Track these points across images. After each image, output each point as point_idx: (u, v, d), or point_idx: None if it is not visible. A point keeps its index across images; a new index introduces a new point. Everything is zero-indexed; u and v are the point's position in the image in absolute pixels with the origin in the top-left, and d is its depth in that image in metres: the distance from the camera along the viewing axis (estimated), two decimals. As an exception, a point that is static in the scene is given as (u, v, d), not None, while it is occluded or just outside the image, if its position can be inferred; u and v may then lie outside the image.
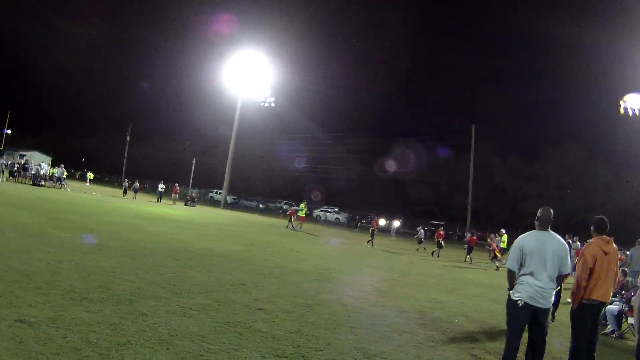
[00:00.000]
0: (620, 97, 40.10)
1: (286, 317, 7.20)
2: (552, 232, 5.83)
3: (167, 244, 13.75)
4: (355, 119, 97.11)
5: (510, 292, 5.81)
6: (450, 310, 9.80)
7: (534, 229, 5.91)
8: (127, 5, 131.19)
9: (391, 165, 69.14)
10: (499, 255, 22.93)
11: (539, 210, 5.92)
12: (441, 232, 27.14)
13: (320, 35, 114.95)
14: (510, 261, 5.80)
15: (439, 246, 25.89)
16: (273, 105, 55.74)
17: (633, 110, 38.19)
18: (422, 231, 31.26)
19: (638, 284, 10.17)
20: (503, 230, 27.16)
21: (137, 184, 44.80)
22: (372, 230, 26.93)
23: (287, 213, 31.51)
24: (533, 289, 5.57)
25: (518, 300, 5.62)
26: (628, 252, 18.41)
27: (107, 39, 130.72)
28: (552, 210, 5.85)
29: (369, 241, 26.10)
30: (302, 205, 32.64)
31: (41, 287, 6.73)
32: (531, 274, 5.60)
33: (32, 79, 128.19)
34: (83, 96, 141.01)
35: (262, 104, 55.48)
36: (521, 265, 5.70)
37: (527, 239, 5.78)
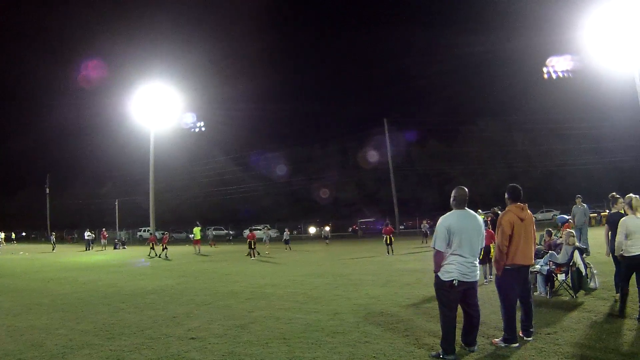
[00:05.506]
0: (534, 64, 40.80)
1: (219, 341, 7.33)
2: (469, 209, 6.21)
3: (98, 291, 13.75)
4: (268, 134, 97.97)
5: (438, 273, 6.03)
6: (384, 304, 10.02)
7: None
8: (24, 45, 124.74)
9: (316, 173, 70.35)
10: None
11: (454, 190, 6.21)
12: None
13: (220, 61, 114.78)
14: (438, 242, 5.99)
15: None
16: (204, 129, 55.51)
17: (557, 73, 38.99)
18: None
19: (559, 241, 10.87)
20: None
21: (88, 235, 42.26)
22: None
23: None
24: (464, 266, 5.89)
25: (453, 280, 5.87)
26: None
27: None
28: (466, 189, 6.20)
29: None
30: (196, 229, 32.63)
31: (-28, 356, 6.76)
32: (460, 252, 5.90)
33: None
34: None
35: (192, 130, 55.14)
36: (448, 245, 5.97)
37: (451, 219, 6.04)
